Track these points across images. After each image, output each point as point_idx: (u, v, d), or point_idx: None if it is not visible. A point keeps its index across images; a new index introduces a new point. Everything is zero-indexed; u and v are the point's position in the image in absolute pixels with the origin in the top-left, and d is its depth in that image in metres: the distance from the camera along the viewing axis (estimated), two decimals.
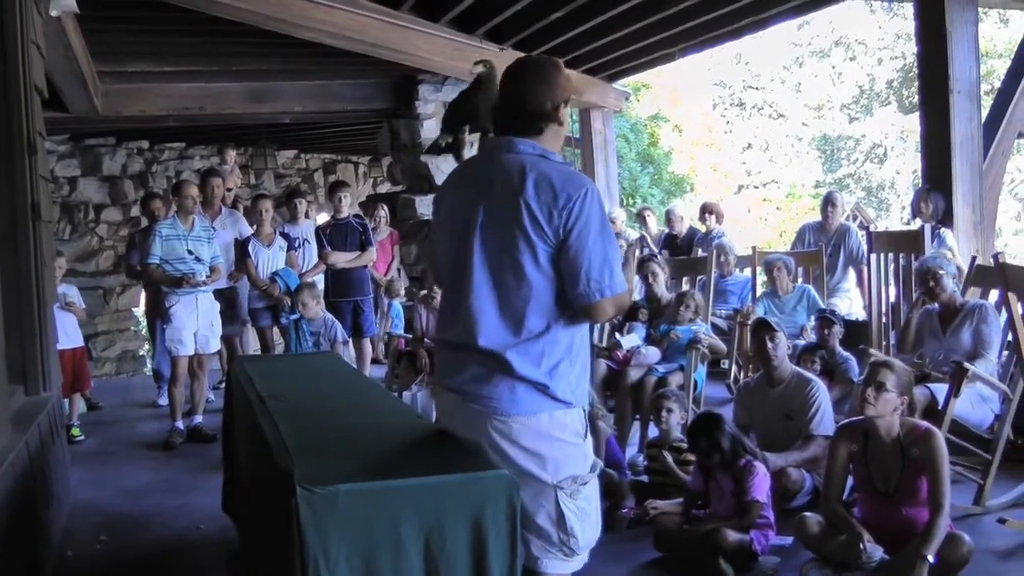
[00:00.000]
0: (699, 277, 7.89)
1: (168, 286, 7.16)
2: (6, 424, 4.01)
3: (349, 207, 8.75)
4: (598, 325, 7.31)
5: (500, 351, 2.70)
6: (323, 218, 9.82)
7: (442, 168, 10.21)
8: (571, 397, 2.74)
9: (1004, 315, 5.67)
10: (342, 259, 8.38)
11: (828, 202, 8.60)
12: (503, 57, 8.66)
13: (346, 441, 3.05)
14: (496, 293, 2.74)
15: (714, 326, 7.33)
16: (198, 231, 7.22)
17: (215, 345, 7.53)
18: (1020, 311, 5.36)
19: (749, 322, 6.96)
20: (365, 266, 8.62)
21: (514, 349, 2.70)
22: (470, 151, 3.02)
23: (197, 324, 7.20)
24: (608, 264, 2.67)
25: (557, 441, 2.73)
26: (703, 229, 10.02)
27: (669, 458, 5.21)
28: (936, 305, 5.79)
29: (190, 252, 7.11)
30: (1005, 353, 5.66)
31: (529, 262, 2.68)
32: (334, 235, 8.42)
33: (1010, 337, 5.51)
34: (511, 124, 2.83)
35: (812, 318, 6.95)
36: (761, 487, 4.41)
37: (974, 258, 6.40)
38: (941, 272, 5.69)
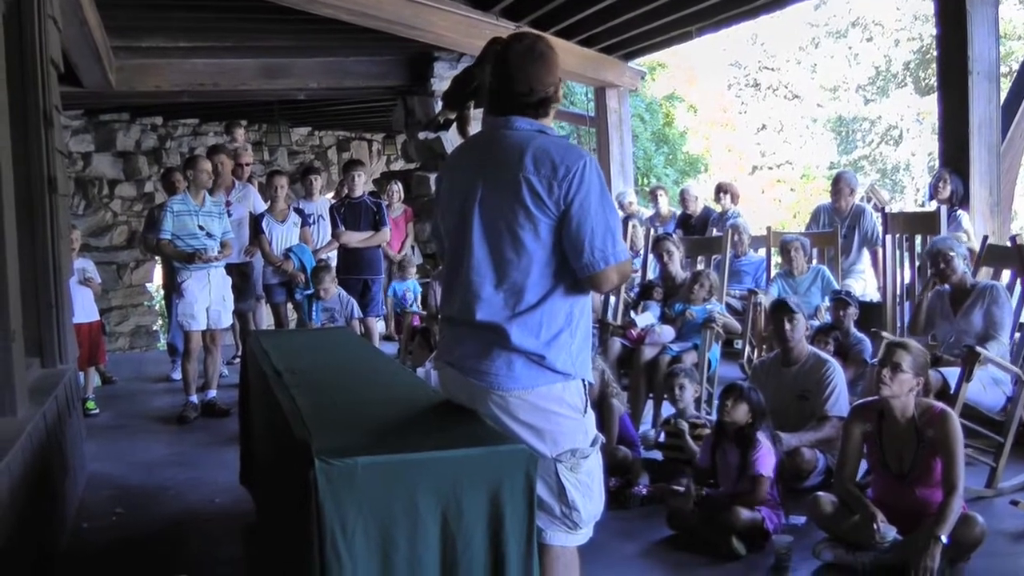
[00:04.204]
0: (714, 257, 7.86)
1: (180, 261, 7.18)
2: (24, 396, 4.03)
3: (364, 185, 8.75)
4: (612, 305, 7.33)
5: (499, 323, 2.72)
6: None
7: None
8: (570, 368, 2.75)
9: (1016, 295, 5.64)
10: (355, 239, 8.39)
11: (837, 184, 8.52)
12: (518, 34, 8.62)
13: (363, 414, 3.05)
14: (495, 268, 2.76)
15: (728, 306, 7.31)
16: (209, 206, 7.22)
17: (227, 320, 7.55)
18: None
19: (758, 300, 6.98)
20: (378, 246, 8.62)
21: (512, 321, 2.72)
22: (475, 128, 3.02)
23: (209, 299, 7.22)
24: (610, 232, 2.68)
25: (555, 415, 2.74)
26: (718, 209, 9.99)
27: (685, 427, 5.23)
28: (947, 286, 5.77)
29: (201, 228, 7.11)
30: (1018, 334, 5.63)
31: (530, 236, 2.70)
32: (348, 214, 8.42)
33: (1023, 318, 5.49)
34: (507, 105, 2.82)
35: (827, 299, 6.94)
36: (765, 462, 4.41)
37: (986, 237, 6.37)
38: (952, 253, 5.66)
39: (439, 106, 10.65)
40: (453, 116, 3.08)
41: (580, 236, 2.66)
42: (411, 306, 9.49)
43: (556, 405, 2.74)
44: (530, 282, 2.72)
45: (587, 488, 2.79)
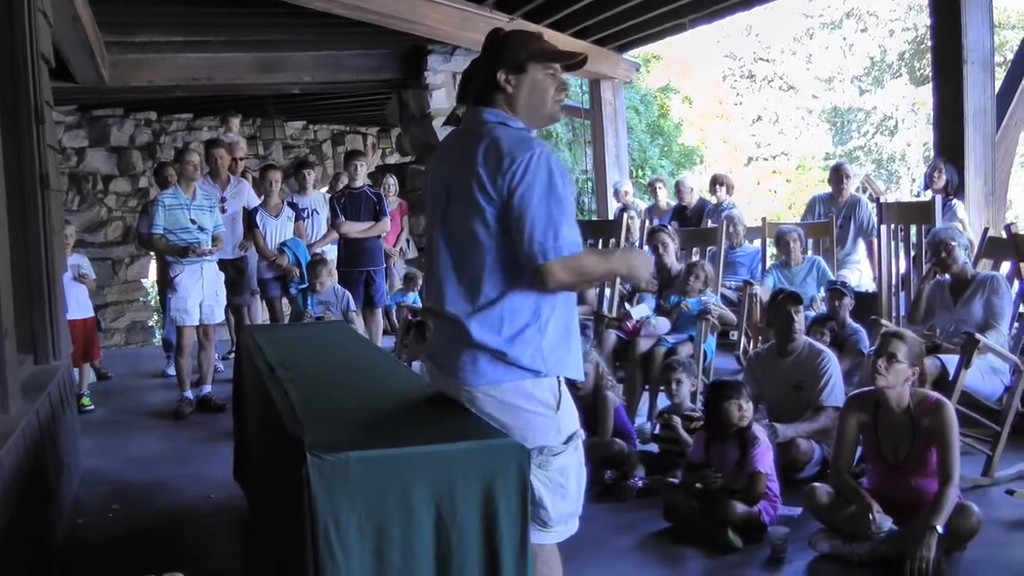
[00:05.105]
0: (709, 248, 7.87)
1: (173, 256, 7.16)
2: (16, 393, 4.02)
3: (364, 176, 8.75)
4: (607, 297, 7.31)
5: (461, 319, 2.71)
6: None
7: None
8: (540, 365, 2.71)
9: (1016, 286, 5.64)
10: (355, 229, 8.36)
11: (838, 173, 8.53)
12: (513, 27, 8.60)
13: (357, 409, 3.05)
14: (455, 262, 2.76)
15: (723, 297, 7.31)
16: (200, 200, 7.20)
17: (219, 315, 7.55)
18: None
19: (753, 292, 6.98)
20: (379, 236, 8.61)
21: (473, 317, 2.70)
22: None
23: (202, 294, 7.20)
24: (553, 226, 2.61)
25: (523, 411, 2.71)
26: (713, 200, 9.99)
27: (679, 424, 5.22)
28: (947, 276, 5.77)
29: (193, 221, 7.09)
30: (1016, 325, 5.64)
31: (481, 229, 2.69)
32: (348, 204, 8.40)
33: (1022, 308, 5.49)
34: (474, 95, 2.86)
35: (822, 290, 6.94)
36: (763, 458, 4.40)
37: (986, 230, 6.37)
38: (953, 243, 5.66)
39: (433, 99, 10.70)
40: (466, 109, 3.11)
41: (520, 228, 2.62)
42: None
43: (524, 401, 2.71)
44: (486, 277, 2.69)
45: (559, 486, 2.74)
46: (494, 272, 2.69)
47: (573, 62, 2.89)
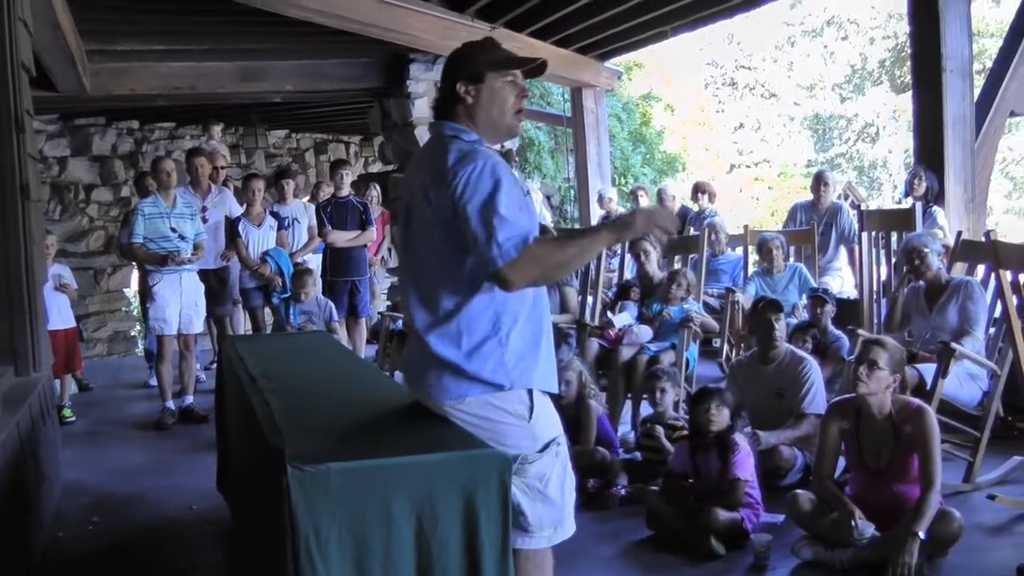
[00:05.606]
0: (691, 256, 7.88)
1: (153, 264, 7.12)
2: None
3: (349, 186, 8.75)
4: (590, 305, 7.32)
5: (421, 333, 2.72)
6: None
7: None
8: (503, 379, 2.70)
9: (991, 290, 5.67)
10: (342, 238, 8.35)
11: (819, 181, 8.58)
12: (494, 36, 8.61)
13: (337, 420, 3.03)
14: (415, 275, 2.78)
15: (706, 305, 7.33)
16: (180, 208, 7.17)
17: (199, 325, 7.50)
18: (1010, 289, 5.36)
19: (736, 299, 7.00)
20: (364, 246, 8.60)
21: (432, 330, 2.71)
22: None
23: (180, 303, 7.16)
24: (493, 236, 2.57)
25: (494, 422, 2.71)
26: (695, 208, 10.02)
27: (661, 432, 5.22)
28: (922, 283, 5.79)
29: (173, 230, 7.06)
30: (992, 329, 5.66)
31: (433, 242, 2.71)
32: (335, 214, 8.39)
33: (997, 313, 5.52)
34: (435, 110, 2.88)
35: (804, 297, 6.96)
36: (743, 465, 4.41)
37: (959, 233, 6.41)
38: (926, 250, 5.69)
39: (415, 108, 10.69)
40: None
41: (467, 240, 2.63)
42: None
43: (494, 414, 2.71)
44: (440, 289, 2.71)
45: (537, 492, 2.74)
46: (448, 284, 2.70)
47: (531, 67, 2.87)
